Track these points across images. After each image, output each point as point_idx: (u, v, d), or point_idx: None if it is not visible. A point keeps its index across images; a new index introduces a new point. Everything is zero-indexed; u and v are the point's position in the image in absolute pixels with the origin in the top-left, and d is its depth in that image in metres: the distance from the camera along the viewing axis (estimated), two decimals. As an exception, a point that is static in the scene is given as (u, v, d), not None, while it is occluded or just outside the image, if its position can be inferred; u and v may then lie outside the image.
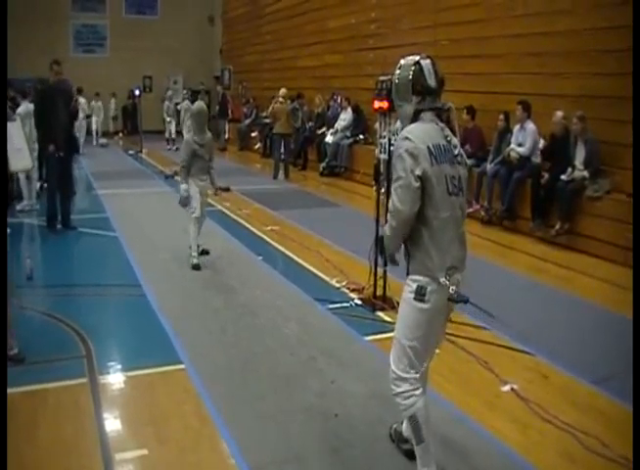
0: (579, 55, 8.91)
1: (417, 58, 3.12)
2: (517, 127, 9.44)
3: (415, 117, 3.11)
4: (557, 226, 8.33)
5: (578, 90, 8.80)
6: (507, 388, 4.41)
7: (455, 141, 3.15)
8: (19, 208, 9.59)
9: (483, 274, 6.89)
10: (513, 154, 9.30)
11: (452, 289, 2.99)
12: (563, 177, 8.39)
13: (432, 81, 3.08)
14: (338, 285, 6.59)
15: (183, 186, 6.91)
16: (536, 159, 9.18)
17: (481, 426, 3.89)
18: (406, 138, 3.02)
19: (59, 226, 8.75)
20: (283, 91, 14.86)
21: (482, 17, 10.85)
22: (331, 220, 9.98)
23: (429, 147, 2.99)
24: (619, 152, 8.17)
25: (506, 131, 9.72)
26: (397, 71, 3.16)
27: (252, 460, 3.49)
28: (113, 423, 3.93)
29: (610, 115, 8.29)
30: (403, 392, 3.15)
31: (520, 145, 9.33)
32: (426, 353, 3.22)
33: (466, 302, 3.04)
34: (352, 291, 6.35)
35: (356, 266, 6.88)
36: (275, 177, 14.16)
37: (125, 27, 24.56)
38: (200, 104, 7.37)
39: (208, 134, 7.16)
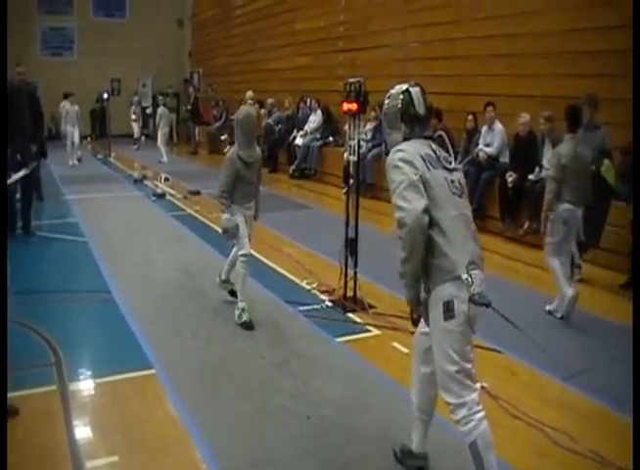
0: (547, 56, 9.05)
1: (405, 86, 3.13)
2: (484, 128, 9.54)
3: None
4: (525, 225, 8.43)
5: (546, 91, 8.90)
6: (477, 386, 4.43)
7: (444, 154, 3.14)
8: None
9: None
10: (481, 154, 9.40)
11: (474, 289, 2.88)
12: (530, 177, 8.50)
13: (420, 109, 3.10)
14: (308, 287, 6.60)
15: (225, 216, 5.55)
16: (504, 159, 9.29)
17: (452, 425, 3.91)
18: (398, 150, 3.03)
19: (19, 232, 8.56)
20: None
21: (452, 18, 10.96)
22: (301, 222, 9.98)
23: (420, 154, 3.00)
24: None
25: (474, 132, 9.82)
26: (387, 101, 3.18)
27: (226, 465, 3.48)
28: (83, 430, 3.88)
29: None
30: (462, 418, 3.00)
31: (487, 145, 9.43)
32: (471, 370, 3.08)
33: (488, 305, 2.91)
34: (323, 293, 6.37)
35: (327, 268, 6.90)
36: None
37: (93, 30, 24.21)
38: (247, 109, 5.90)
39: (258, 149, 5.79)
